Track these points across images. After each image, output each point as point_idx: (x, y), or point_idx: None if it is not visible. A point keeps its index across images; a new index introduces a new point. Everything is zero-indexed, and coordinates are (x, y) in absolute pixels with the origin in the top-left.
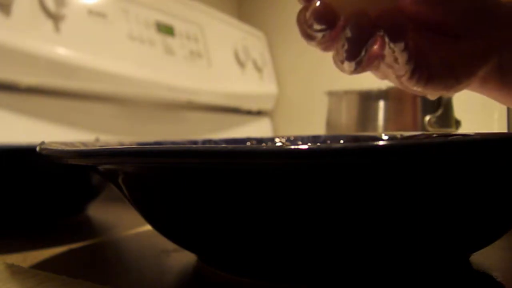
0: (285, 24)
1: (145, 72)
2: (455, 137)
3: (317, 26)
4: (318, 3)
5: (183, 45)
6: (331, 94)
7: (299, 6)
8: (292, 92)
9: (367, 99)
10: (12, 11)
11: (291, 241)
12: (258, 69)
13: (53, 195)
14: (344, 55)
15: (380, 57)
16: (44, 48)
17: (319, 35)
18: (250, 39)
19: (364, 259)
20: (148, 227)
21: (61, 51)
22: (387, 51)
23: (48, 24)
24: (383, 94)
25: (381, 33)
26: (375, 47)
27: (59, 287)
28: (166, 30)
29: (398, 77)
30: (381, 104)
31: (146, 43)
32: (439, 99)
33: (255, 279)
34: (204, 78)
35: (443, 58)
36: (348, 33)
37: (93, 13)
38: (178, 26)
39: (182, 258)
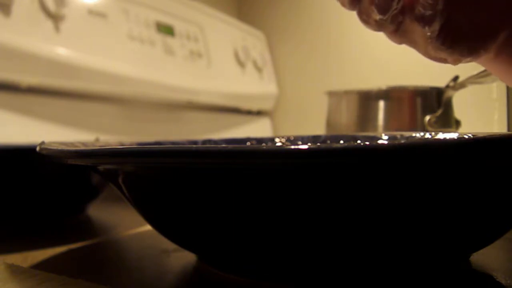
0: (285, 24)
1: (145, 72)
2: (455, 137)
3: None
4: None
5: (183, 45)
6: (331, 94)
7: (299, 6)
8: (292, 92)
9: (367, 99)
10: (12, 11)
11: (291, 241)
12: (258, 69)
13: (53, 195)
14: (375, 7)
15: (409, 10)
16: (44, 48)
17: None
18: (250, 39)
19: (365, 259)
20: (148, 227)
21: (61, 51)
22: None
23: (48, 24)
24: (383, 94)
25: None
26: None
27: (59, 287)
28: (166, 30)
29: (423, 36)
30: (381, 104)
31: (146, 43)
32: (439, 99)
33: (255, 279)
34: (204, 78)
35: (472, 17)
36: None
37: (93, 13)
38: (178, 26)
39: (182, 258)
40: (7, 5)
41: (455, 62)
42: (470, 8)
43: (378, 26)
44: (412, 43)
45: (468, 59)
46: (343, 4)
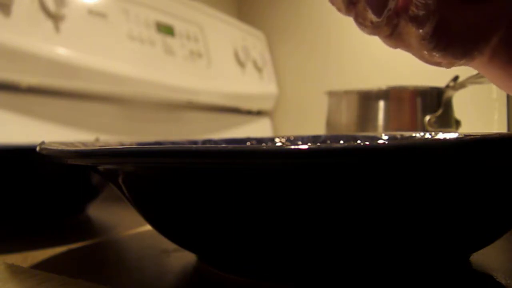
0: (285, 24)
1: (145, 72)
2: (455, 137)
3: None
4: None
5: (183, 45)
6: (331, 94)
7: (299, 6)
8: (292, 92)
9: (367, 99)
10: (12, 11)
11: (291, 241)
12: (258, 69)
13: (53, 195)
14: (370, 9)
15: (403, 11)
16: (44, 48)
17: None
18: (250, 39)
19: (365, 259)
20: (148, 227)
21: (61, 51)
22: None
23: (48, 24)
24: (383, 94)
25: None
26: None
27: (59, 287)
28: (166, 30)
29: (417, 37)
30: (381, 104)
31: (146, 43)
32: (439, 99)
33: (255, 279)
34: (204, 78)
35: (466, 19)
36: None
37: (93, 13)
38: (178, 26)
39: (182, 258)
40: (7, 5)
41: (448, 65)
42: (463, 8)
43: (373, 29)
44: (407, 47)
45: (462, 61)
46: (339, 10)
